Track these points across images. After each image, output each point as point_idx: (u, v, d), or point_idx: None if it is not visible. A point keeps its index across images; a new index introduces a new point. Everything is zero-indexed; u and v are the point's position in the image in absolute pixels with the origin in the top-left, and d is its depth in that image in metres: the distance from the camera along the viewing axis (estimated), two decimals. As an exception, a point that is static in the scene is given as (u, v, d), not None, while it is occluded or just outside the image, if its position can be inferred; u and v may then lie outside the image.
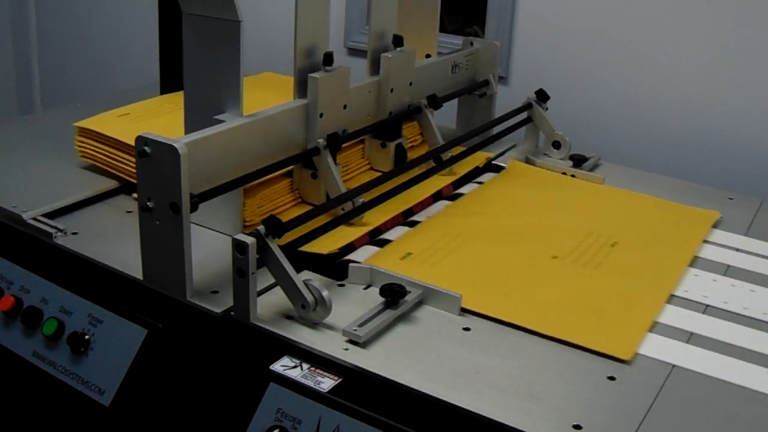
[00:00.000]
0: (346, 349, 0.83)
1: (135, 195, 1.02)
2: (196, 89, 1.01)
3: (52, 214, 1.06)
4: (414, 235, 1.05)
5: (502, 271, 0.98)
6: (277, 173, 1.09)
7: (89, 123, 1.18)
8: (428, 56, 1.37)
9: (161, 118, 1.21)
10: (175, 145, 0.85)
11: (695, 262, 1.05)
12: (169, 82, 1.39)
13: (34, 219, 1.04)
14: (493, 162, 1.30)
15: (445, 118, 1.40)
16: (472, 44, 1.40)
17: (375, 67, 1.22)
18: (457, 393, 0.77)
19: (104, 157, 1.16)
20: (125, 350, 0.88)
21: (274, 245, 0.85)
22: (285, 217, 0.89)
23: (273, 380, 0.79)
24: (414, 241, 1.03)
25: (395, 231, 1.07)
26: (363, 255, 0.99)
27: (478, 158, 1.30)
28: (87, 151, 1.18)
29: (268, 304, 0.89)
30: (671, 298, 0.95)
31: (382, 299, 0.88)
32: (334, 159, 1.08)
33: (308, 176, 1.11)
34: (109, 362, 0.89)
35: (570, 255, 1.02)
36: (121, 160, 1.14)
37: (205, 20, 0.97)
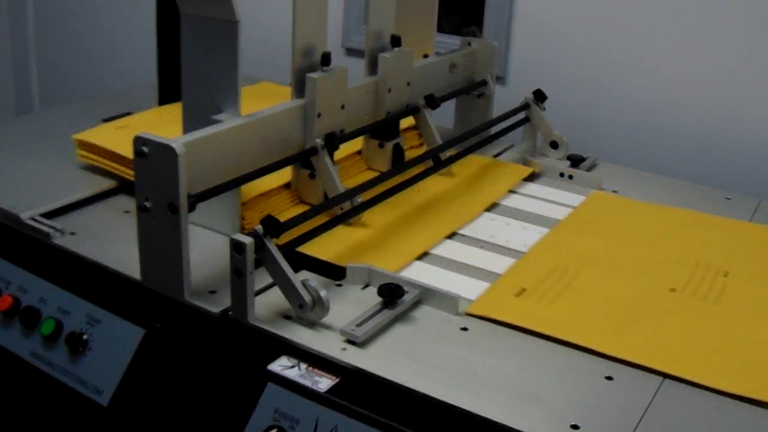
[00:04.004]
0: (344, 349, 0.83)
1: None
2: (194, 89, 1.01)
3: (50, 214, 1.06)
4: (522, 268, 1.00)
5: (625, 308, 0.92)
6: (276, 185, 1.10)
7: (88, 135, 1.19)
8: (426, 56, 1.37)
9: (160, 129, 1.20)
10: (172, 145, 0.85)
11: None
12: (168, 82, 1.39)
13: (32, 219, 1.04)
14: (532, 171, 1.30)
15: (442, 119, 1.40)
16: (469, 44, 1.40)
17: (373, 67, 1.22)
18: (455, 393, 0.77)
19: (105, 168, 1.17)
20: (123, 350, 0.88)
21: (272, 245, 0.85)
22: (283, 218, 0.89)
23: (271, 380, 0.79)
24: (524, 274, 0.98)
25: (444, 246, 1.05)
26: (469, 290, 0.94)
27: (522, 170, 1.28)
28: (88, 161, 1.18)
29: (266, 303, 0.89)
30: None
31: (379, 299, 0.88)
32: (332, 159, 1.08)
33: (306, 176, 1.11)
34: (107, 362, 0.89)
35: (686, 288, 0.97)
36: (121, 172, 1.14)
37: (203, 20, 0.97)
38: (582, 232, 1.11)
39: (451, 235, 1.09)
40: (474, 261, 1.02)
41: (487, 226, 1.12)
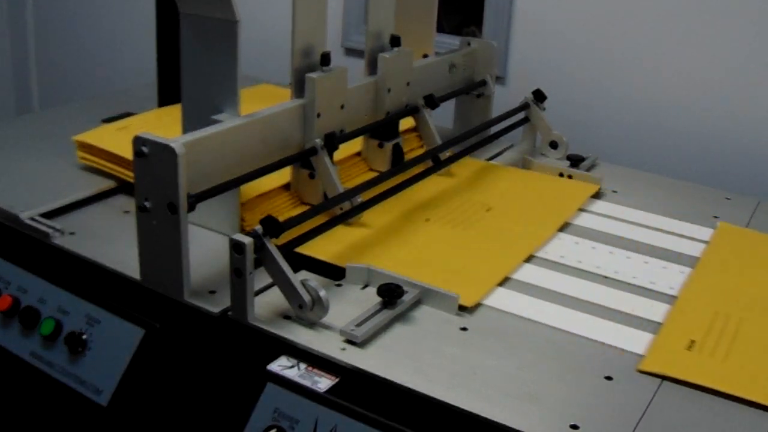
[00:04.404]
0: (344, 349, 0.83)
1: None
2: (194, 89, 1.01)
3: (50, 214, 1.06)
4: (682, 317, 0.92)
5: None
6: (275, 186, 1.10)
7: (88, 137, 1.19)
8: (425, 56, 1.37)
9: (160, 131, 1.21)
10: (172, 145, 0.85)
11: None
12: (168, 82, 1.39)
13: (32, 219, 1.04)
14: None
15: (442, 119, 1.40)
16: (469, 44, 1.40)
17: (372, 67, 1.22)
18: (455, 393, 0.77)
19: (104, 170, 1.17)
20: (122, 350, 0.88)
21: (272, 245, 0.85)
22: (283, 218, 0.89)
23: (270, 380, 0.79)
24: (686, 324, 0.91)
25: (525, 270, 1.00)
26: (634, 344, 0.87)
27: (589, 188, 1.24)
28: (88, 162, 1.19)
29: (266, 303, 0.89)
30: None
31: (379, 299, 0.88)
32: (332, 159, 1.08)
33: (306, 176, 1.11)
34: (107, 362, 0.89)
35: None
36: (121, 174, 1.14)
37: (202, 20, 0.97)
38: (727, 272, 1.03)
39: (529, 259, 1.03)
40: (604, 300, 0.95)
41: (557, 246, 1.06)
